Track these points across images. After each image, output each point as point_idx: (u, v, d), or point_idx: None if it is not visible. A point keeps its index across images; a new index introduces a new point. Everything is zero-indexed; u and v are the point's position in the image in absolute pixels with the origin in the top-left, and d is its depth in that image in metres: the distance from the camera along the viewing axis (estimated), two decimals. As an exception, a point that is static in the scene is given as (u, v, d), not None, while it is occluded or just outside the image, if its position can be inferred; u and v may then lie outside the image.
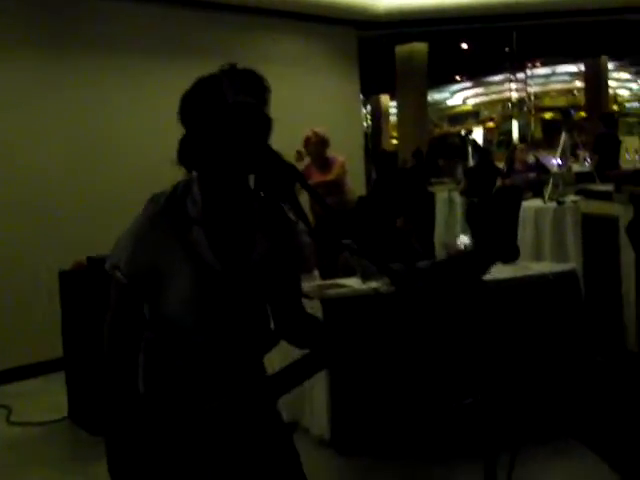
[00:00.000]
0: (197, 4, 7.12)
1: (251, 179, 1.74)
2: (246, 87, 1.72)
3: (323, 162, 5.86)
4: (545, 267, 4.89)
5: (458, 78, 24.00)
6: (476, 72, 22.28)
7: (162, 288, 1.77)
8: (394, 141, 20.39)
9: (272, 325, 1.99)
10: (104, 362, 1.81)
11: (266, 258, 1.85)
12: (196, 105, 1.75)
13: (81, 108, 6.32)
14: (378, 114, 23.00)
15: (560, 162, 7.38)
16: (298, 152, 5.81)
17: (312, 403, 4.11)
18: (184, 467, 1.80)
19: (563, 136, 7.46)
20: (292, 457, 1.96)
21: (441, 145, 12.27)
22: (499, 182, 8.10)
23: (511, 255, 4.64)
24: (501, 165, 8.89)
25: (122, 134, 6.53)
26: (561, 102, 23.50)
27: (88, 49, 6.40)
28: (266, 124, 1.74)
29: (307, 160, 5.91)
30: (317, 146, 5.83)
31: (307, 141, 5.86)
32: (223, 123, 1.70)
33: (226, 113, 1.70)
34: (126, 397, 1.80)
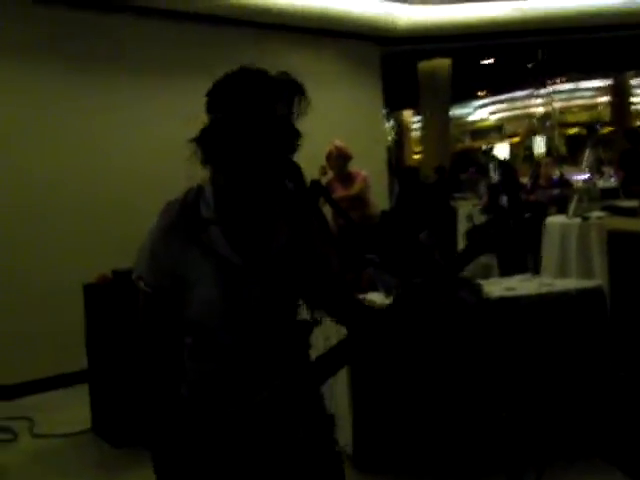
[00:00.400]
0: (215, 20, 7.18)
1: None
2: (293, 100, 1.72)
3: (345, 176, 5.86)
4: (570, 284, 4.84)
5: (481, 93, 23.94)
6: (499, 87, 22.22)
7: (187, 292, 1.76)
8: (416, 156, 20.38)
9: (305, 312, 1.96)
10: (141, 370, 1.82)
11: (287, 247, 1.83)
12: (239, 101, 1.69)
13: (116, 121, 6.45)
14: (401, 129, 23.00)
15: (585, 177, 7.32)
16: (322, 167, 5.82)
17: (335, 418, 4.09)
18: (228, 467, 1.79)
19: (587, 152, 7.42)
20: (330, 447, 1.96)
21: (464, 160, 12.26)
22: (524, 197, 8.06)
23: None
24: (526, 180, 8.83)
25: (143, 144, 6.58)
26: (584, 117, 23.35)
27: (105, 63, 6.49)
28: (298, 138, 1.75)
29: (330, 174, 5.92)
30: (339, 160, 5.84)
31: (329, 155, 5.87)
32: (263, 131, 1.69)
33: (270, 124, 1.69)
34: (167, 401, 1.81)
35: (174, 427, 1.81)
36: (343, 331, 1.89)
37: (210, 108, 1.74)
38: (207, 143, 1.73)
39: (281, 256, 1.82)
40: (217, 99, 1.73)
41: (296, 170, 1.76)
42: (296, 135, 1.75)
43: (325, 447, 1.95)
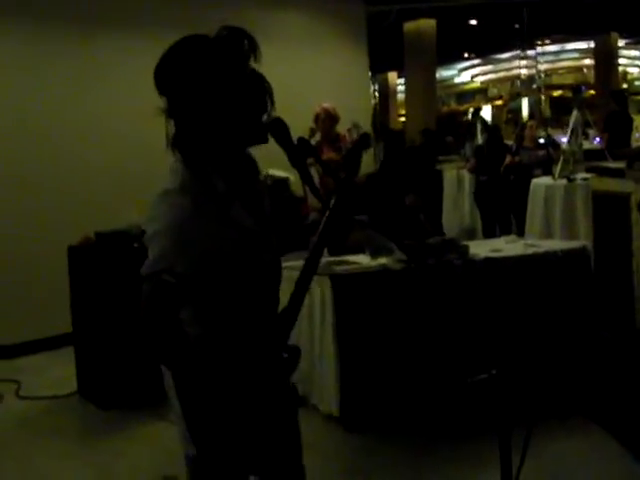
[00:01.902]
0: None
1: None
2: (251, 51, 1.69)
3: (333, 138, 5.82)
4: (555, 245, 4.87)
5: (466, 55, 23.82)
6: (485, 49, 22.11)
7: (220, 269, 1.71)
8: (402, 119, 20.29)
9: None
10: (144, 333, 1.72)
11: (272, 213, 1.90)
12: (202, 72, 1.66)
13: (86, 82, 6.31)
14: (386, 91, 22.86)
15: (570, 139, 7.32)
16: (311, 129, 5.78)
17: (321, 380, 4.12)
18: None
19: (574, 113, 7.40)
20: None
21: (449, 123, 12.22)
22: (508, 160, 8.05)
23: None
24: (510, 143, 8.82)
25: (126, 110, 6.47)
26: (570, 80, 23.30)
27: (91, 28, 6.35)
28: (271, 91, 1.73)
29: (318, 136, 5.88)
30: (326, 122, 5.79)
31: (317, 117, 5.82)
32: (244, 92, 1.67)
33: (247, 82, 1.67)
34: (180, 341, 1.74)
35: (193, 361, 1.78)
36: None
37: (164, 88, 1.70)
38: (184, 137, 1.71)
39: (271, 217, 1.87)
40: (169, 78, 1.69)
41: (283, 128, 1.74)
42: (264, 91, 1.72)
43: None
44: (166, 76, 1.69)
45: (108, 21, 6.45)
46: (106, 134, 6.36)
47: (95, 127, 6.32)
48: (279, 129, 1.74)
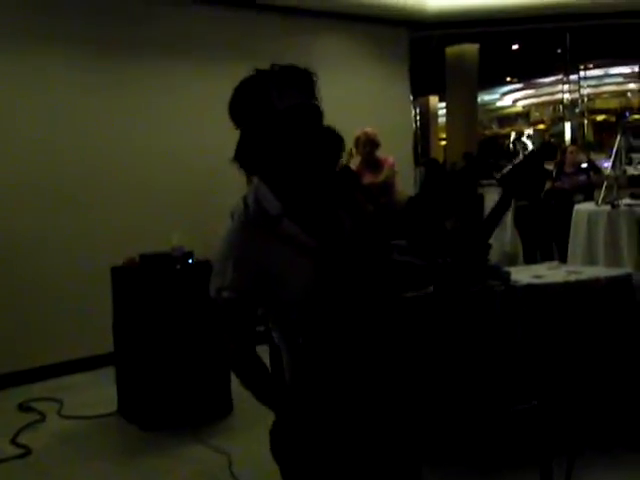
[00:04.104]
0: (243, 5, 7.14)
1: None
2: (292, 87, 1.72)
3: (373, 162, 5.83)
4: (598, 272, 4.79)
5: (508, 79, 23.70)
6: (527, 74, 21.98)
7: (277, 288, 1.76)
8: (442, 142, 20.23)
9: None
10: (241, 376, 1.84)
11: (355, 231, 1.86)
12: (245, 111, 1.75)
13: (143, 106, 6.49)
14: (427, 115, 22.82)
15: (614, 164, 7.23)
16: (350, 150, 5.78)
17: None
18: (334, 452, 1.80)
19: (618, 138, 7.30)
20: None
21: (491, 147, 12.15)
22: (548, 185, 7.98)
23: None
24: (551, 168, 8.73)
25: (173, 134, 6.61)
26: (614, 104, 23.01)
27: (139, 52, 6.52)
28: (318, 119, 1.75)
29: (357, 159, 5.88)
30: (367, 146, 5.80)
31: (357, 141, 5.83)
32: (276, 130, 1.71)
33: (277, 121, 1.71)
34: (276, 390, 1.83)
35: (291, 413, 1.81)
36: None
37: (235, 125, 1.79)
38: (243, 159, 1.78)
39: (353, 239, 1.84)
40: (234, 119, 1.78)
41: (329, 157, 1.77)
42: (318, 116, 1.76)
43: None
44: (235, 111, 1.78)
45: (177, 49, 6.71)
46: (152, 160, 6.49)
47: (141, 153, 6.46)
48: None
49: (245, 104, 1.75)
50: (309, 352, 1.78)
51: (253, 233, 1.75)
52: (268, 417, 1.86)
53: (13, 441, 4.52)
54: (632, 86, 21.70)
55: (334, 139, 1.79)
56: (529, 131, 23.47)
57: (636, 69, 19.77)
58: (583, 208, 7.01)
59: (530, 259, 8.14)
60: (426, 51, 11.26)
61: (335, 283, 1.76)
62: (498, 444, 3.78)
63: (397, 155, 6.39)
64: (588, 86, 22.33)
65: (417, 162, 10.58)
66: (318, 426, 1.78)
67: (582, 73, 21.24)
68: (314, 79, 1.77)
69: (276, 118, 1.70)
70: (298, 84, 1.73)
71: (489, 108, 25.66)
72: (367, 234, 1.89)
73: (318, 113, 1.75)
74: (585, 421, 3.65)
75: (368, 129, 5.82)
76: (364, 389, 1.80)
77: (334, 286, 1.76)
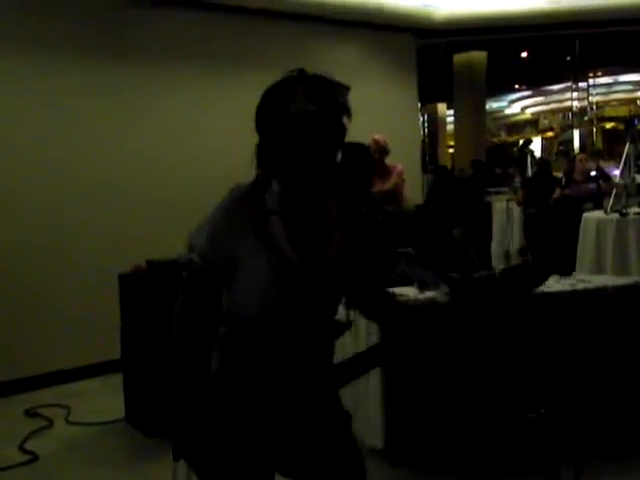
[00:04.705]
0: (254, 12, 7.16)
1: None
2: (312, 94, 1.71)
3: (382, 170, 5.83)
4: (607, 280, 4.77)
5: (517, 87, 23.70)
6: (536, 81, 21.97)
7: (236, 277, 1.80)
8: (450, 150, 20.22)
9: (340, 313, 2.00)
10: (173, 345, 1.85)
11: (341, 253, 1.86)
12: (264, 115, 1.79)
13: (146, 112, 6.50)
14: (435, 122, 22.82)
15: (623, 172, 7.20)
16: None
17: (366, 413, 4.09)
18: (247, 444, 1.84)
19: (627, 146, 7.28)
20: (349, 441, 2.01)
21: (499, 154, 12.14)
22: (557, 193, 7.96)
23: (567, 268, 4.55)
24: (560, 175, 8.71)
25: (185, 139, 6.64)
26: (623, 112, 22.97)
27: (137, 57, 6.53)
28: (336, 129, 1.75)
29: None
30: (377, 154, 5.80)
31: (367, 148, 5.84)
32: (285, 133, 1.72)
33: (288, 124, 1.72)
34: (196, 377, 1.83)
35: (200, 403, 1.83)
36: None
37: (256, 130, 1.83)
38: (261, 162, 1.81)
39: (334, 261, 1.85)
40: (255, 123, 1.82)
41: (336, 166, 1.77)
42: (337, 126, 1.76)
43: (345, 442, 2.00)
44: (257, 112, 1.82)
45: (185, 57, 6.73)
46: (159, 168, 6.51)
47: (149, 161, 6.48)
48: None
49: (264, 106, 1.79)
50: (230, 346, 1.85)
51: (240, 220, 1.77)
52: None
53: (20, 447, 4.52)
54: (641, 94, 21.66)
55: (352, 154, 1.77)
56: (536, 139, 23.41)
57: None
58: (592, 216, 6.99)
59: (538, 267, 8.10)
60: (434, 58, 11.27)
61: (285, 299, 1.80)
62: (506, 452, 3.77)
63: (405, 162, 6.40)
64: (597, 94, 22.31)
65: (425, 169, 10.58)
66: (231, 417, 1.83)
67: (591, 81, 21.23)
68: (340, 90, 1.76)
69: (287, 121, 1.71)
70: (321, 92, 1.73)
71: (497, 115, 25.65)
72: (354, 256, 1.90)
73: (334, 123, 1.75)
74: (593, 429, 3.63)
75: (377, 136, 5.82)
76: (277, 398, 1.85)
77: (283, 303, 1.80)
